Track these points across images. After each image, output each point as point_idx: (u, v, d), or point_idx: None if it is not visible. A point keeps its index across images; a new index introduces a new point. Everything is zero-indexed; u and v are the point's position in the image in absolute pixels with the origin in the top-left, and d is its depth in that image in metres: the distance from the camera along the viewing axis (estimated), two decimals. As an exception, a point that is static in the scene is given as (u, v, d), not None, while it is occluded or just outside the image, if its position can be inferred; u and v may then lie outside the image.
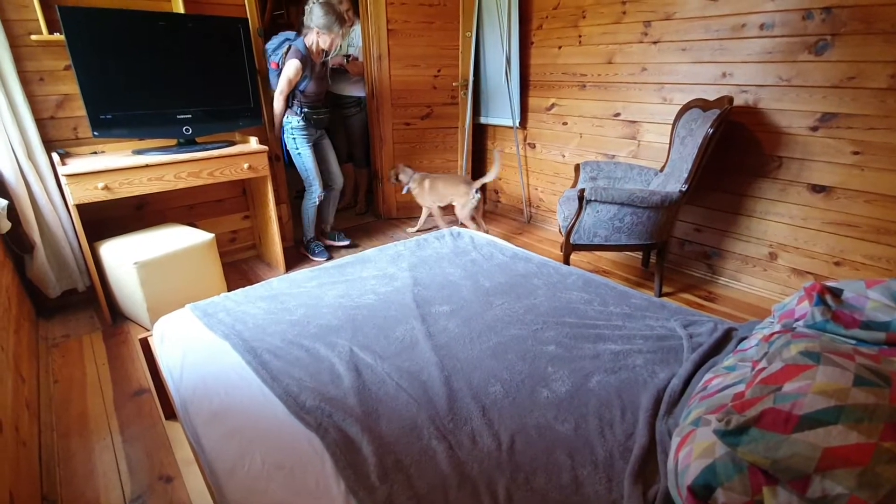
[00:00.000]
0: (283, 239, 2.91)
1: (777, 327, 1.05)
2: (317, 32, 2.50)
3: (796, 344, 0.81)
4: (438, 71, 3.41)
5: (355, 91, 3.44)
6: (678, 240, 2.79)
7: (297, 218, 3.19)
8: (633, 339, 1.36)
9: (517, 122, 3.45)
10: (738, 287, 2.59)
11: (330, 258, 3.00)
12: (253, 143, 2.52)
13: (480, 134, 3.89)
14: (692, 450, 0.78)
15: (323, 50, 2.61)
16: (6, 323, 1.67)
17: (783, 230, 2.37)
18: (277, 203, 2.68)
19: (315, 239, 3.05)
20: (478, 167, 3.99)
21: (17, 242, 2.15)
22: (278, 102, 2.61)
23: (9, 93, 2.02)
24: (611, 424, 1.05)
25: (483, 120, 3.69)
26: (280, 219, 2.88)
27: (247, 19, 2.42)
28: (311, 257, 3.03)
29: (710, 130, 2.03)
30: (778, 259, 2.43)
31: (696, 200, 2.64)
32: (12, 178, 2.04)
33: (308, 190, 2.88)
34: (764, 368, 0.82)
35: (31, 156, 2.10)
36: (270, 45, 2.67)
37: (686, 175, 2.12)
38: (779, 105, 2.24)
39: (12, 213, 2.06)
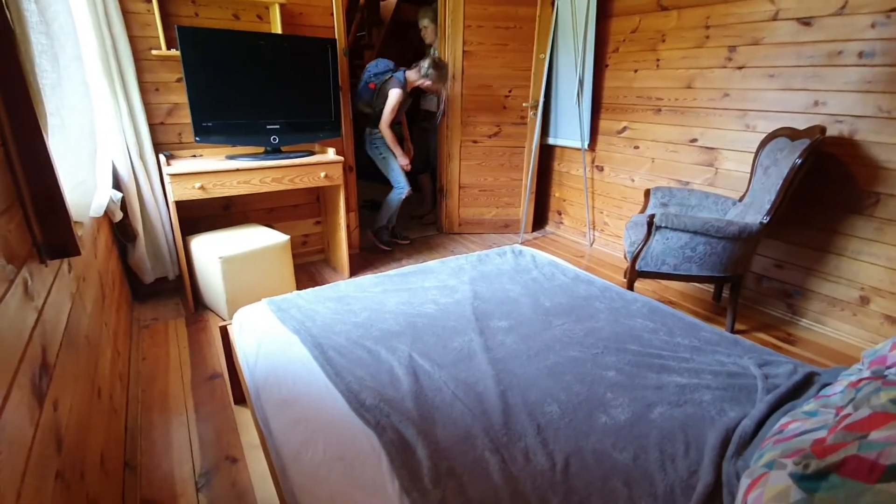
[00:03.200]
0: (350, 245, 3.05)
1: (866, 373, 0.97)
2: (424, 77, 3.00)
3: (887, 391, 0.75)
4: (510, 91, 3.47)
5: (433, 106, 3.60)
6: (755, 275, 2.62)
7: (364, 226, 3.39)
8: (701, 373, 1.30)
9: (586, 144, 3.42)
10: (822, 331, 2.38)
11: (392, 250, 3.41)
12: (330, 154, 2.68)
13: (547, 154, 3.88)
14: (763, 493, 0.73)
15: (417, 87, 3.10)
16: (111, 302, 1.88)
17: (877, 273, 2.17)
18: (347, 211, 2.82)
19: (387, 229, 3.41)
20: (542, 187, 3.98)
21: (123, 232, 2.42)
22: (388, 132, 3.06)
23: (130, 101, 2.30)
24: (673, 459, 1.01)
25: (551, 141, 3.69)
26: (348, 226, 3.03)
27: (335, 40, 2.60)
28: (381, 246, 3.37)
29: (799, 161, 1.91)
30: (870, 304, 2.22)
31: (778, 234, 2.47)
32: (126, 175, 2.31)
33: (396, 187, 3.22)
34: (849, 415, 0.76)
35: (142, 156, 2.37)
36: (374, 68, 3.11)
37: (768, 206, 2.00)
38: (877, 138, 2.07)
39: (122, 205, 2.33)
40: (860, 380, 0.95)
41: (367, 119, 3.20)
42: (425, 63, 2.99)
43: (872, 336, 2.23)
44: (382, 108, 3.00)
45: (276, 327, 1.49)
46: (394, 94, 2.94)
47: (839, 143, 2.19)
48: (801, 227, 2.38)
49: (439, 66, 2.99)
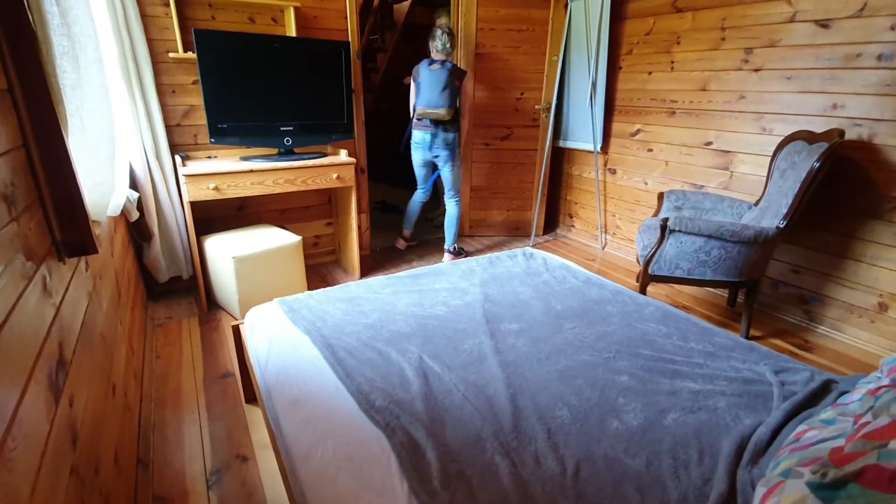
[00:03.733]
0: (361, 247, 3.06)
1: (885, 381, 0.94)
2: (452, 53, 2.91)
3: (912, 401, 0.73)
4: (521, 94, 3.46)
5: None
6: (771, 280, 2.58)
7: (377, 227, 3.40)
8: (715, 379, 1.28)
9: (598, 146, 3.40)
10: (840, 338, 2.33)
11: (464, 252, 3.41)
12: (343, 156, 2.70)
13: (559, 157, 3.87)
14: (780, 502, 0.72)
15: None
16: (126, 301, 1.91)
17: (899, 279, 2.12)
18: (359, 212, 2.83)
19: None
20: (554, 190, 3.97)
21: (139, 231, 2.45)
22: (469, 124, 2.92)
23: (147, 103, 2.34)
24: (686, 466, 1.00)
25: (563, 143, 3.68)
26: (359, 228, 3.04)
27: (349, 43, 2.62)
28: (461, 256, 3.25)
29: (817, 164, 1.88)
30: (889, 311, 2.17)
31: (794, 239, 2.43)
32: (142, 175, 2.35)
33: (457, 198, 3.18)
34: (868, 423, 0.74)
35: (158, 157, 2.40)
36: (444, 67, 2.83)
37: (785, 211, 1.97)
38: (899, 141, 2.03)
39: (138, 205, 2.37)
40: (879, 387, 0.93)
41: (438, 124, 2.94)
42: (439, 42, 2.83)
43: (891, 343, 2.18)
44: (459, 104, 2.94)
45: (288, 327, 1.50)
46: (471, 82, 2.82)
47: (858, 147, 2.15)
48: (819, 232, 2.34)
49: (451, 34, 2.86)
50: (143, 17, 2.28)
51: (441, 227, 3.99)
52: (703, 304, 2.70)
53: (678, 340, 1.46)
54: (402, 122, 4.11)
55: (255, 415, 1.74)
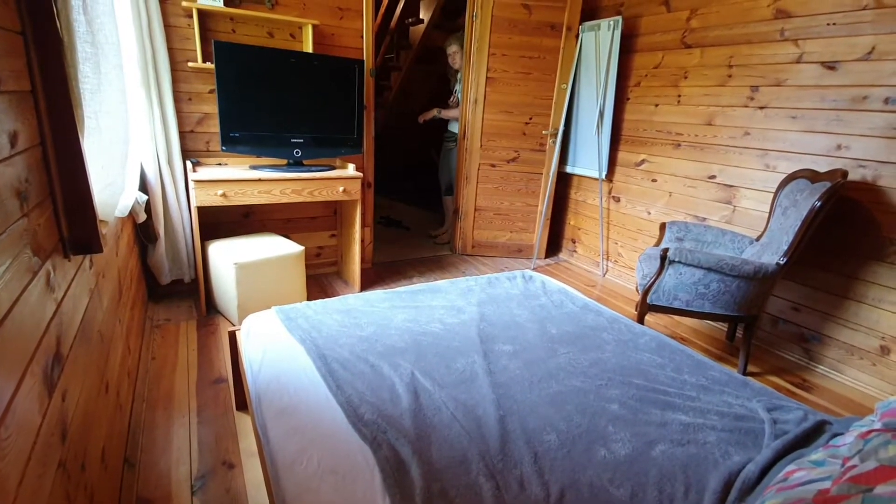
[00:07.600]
0: (363, 260, 3.08)
1: (878, 425, 0.94)
2: None
3: (897, 445, 0.72)
4: (530, 118, 3.52)
5: (456, 127, 3.68)
6: (771, 317, 2.56)
7: (380, 242, 3.43)
8: (706, 413, 1.27)
9: (603, 174, 3.43)
10: (839, 379, 2.31)
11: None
12: (350, 169, 2.74)
13: (564, 182, 3.90)
14: (760, 540, 0.71)
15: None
16: (126, 300, 1.93)
17: (900, 323, 2.10)
18: (363, 226, 2.86)
19: None
20: (557, 214, 3.99)
21: (146, 233, 2.49)
22: None
23: (164, 109, 2.40)
24: (671, 500, 0.99)
25: (569, 169, 3.71)
26: (363, 241, 3.07)
27: (363, 61, 2.69)
28: None
29: (818, 203, 1.89)
30: (890, 354, 2.14)
31: (796, 277, 2.43)
32: (153, 178, 2.39)
33: None
34: (855, 466, 0.74)
35: (170, 162, 2.46)
36: None
37: (785, 247, 1.97)
38: (903, 185, 2.04)
39: (146, 207, 2.41)
40: (870, 431, 0.92)
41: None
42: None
43: (892, 388, 2.15)
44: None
45: (283, 335, 1.51)
46: None
47: (861, 188, 2.16)
48: (820, 271, 2.34)
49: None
50: (167, 27, 2.36)
51: (444, 245, 4.01)
52: (703, 338, 2.69)
53: (672, 372, 1.46)
54: (412, 140, 4.16)
55: (244, 423, 1.74)
